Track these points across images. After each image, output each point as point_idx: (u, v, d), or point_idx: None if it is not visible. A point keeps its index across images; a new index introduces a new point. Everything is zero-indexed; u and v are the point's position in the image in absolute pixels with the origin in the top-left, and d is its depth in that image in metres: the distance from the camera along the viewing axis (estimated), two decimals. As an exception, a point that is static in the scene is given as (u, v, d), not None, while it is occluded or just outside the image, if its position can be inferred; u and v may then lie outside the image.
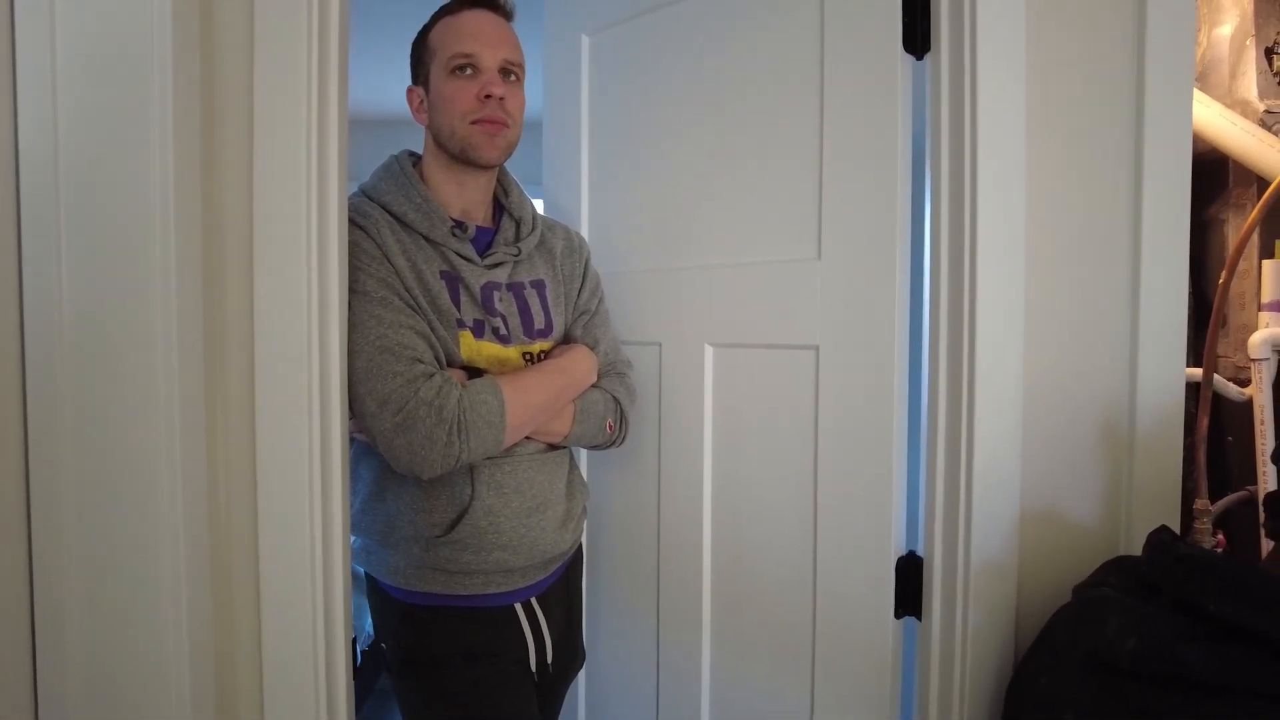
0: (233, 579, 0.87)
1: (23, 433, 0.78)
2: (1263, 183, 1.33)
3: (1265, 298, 1.34)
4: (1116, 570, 0.83)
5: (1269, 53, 1.38)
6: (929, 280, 1.04)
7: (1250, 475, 1.33)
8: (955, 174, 1.00)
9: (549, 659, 1.19)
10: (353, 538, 1.14)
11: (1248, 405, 1.34)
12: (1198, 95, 1.30)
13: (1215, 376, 1.32)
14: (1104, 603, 0.73)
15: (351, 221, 1.03)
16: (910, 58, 1.06)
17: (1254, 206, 1.28)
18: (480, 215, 1.18)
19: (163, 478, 0.78)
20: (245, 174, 0.85)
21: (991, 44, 0.97)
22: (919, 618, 1.07)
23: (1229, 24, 1.42)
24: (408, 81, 1.17)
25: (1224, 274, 1.27)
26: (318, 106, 0.86)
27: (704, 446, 1.30)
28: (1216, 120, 1.34)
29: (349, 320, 0.98)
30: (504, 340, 1.12)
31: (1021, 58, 0.98)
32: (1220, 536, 1.27)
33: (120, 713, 0.79)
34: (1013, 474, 0.99)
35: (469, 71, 1.07)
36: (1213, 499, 1.27)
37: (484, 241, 1.16)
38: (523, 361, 1.14)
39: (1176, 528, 0.97)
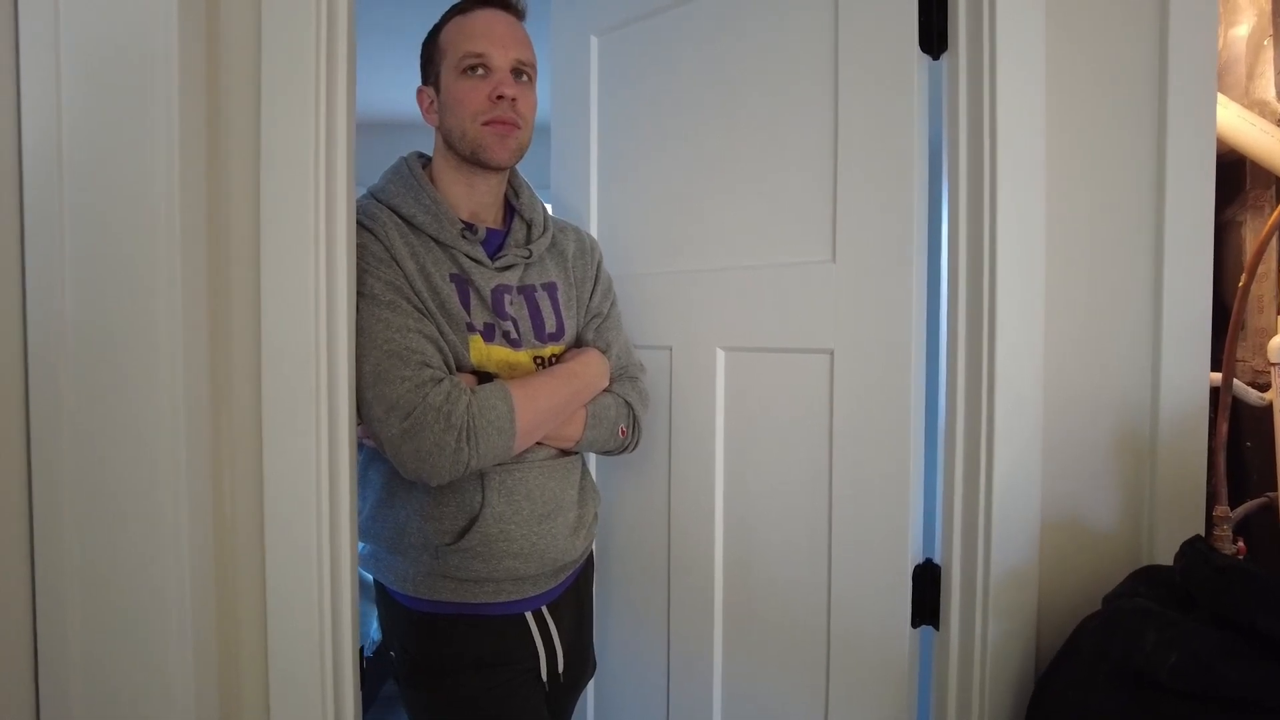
0: (238, 585, 0.86)
1: (25, 436, 0.76)
2: (1281, 184, 1.31)
3: (1284, 301, 1.32)
4: (1146, 580, 0.80)
5: (1287, 53, 1.36)
6: (947, 283, 1.03)
7: (1270, 481, 1.31)
8: (973, 175, 0.98)
9: (560, 668, 1.17)
10: (361, 544, 1.13)
11: (1267, 410, 1.32)
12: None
13: (1234, 381, 1.30)
14: (1141, 614, 0.70)
15: (359, 223, 1.01)
16: (926, 57, 1.05)
17: (1273, 208, 1.26)
18: (490, 217, 1.16)
19: (166, 482, 0.76)
20: (251, 174, 0.84)
21: (1010, 43, 0.96)
22: (936, 627, 1.05)
23: (1246, 24, 1.40)
24: (412, 86, 1.15)
25: (1244, 277, 1.25)
26: (325, 104, 0.85)
27: (716, 452, 1.28)
28: (1234, 121, 1.32)
29: (356, 324, 0.96)
30: (514, 344, 1.10)
31: (1041, 57, 0.96)
32: (1240, 544, 1.24)
33: (124, 710, 0.77)
34: (1033, 480, 0.97)
35: (480, 71, 1.06)
36: (1232, 506, 1.25)
37: (494, 244, 1.14)
38: (534, 365, 1.13)
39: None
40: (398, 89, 3.05)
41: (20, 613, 0.76)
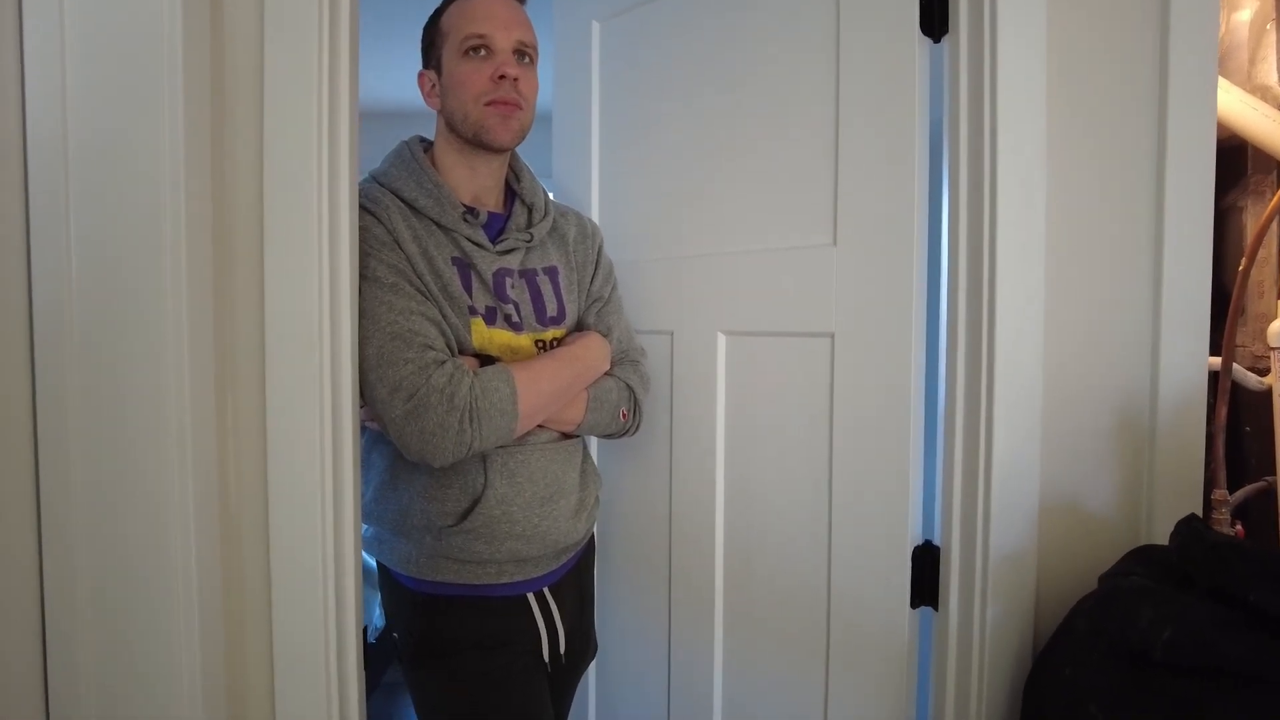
0: (243, 568, 0.87)
1: (32, 418, 0.77)
2: (1283, 169, 1.31)
3: (1285, 286, 1.32)
4: (1142, 559, 0.81)
5: (1289, 38, 1.35)
6: (947, 267, 1.03)
7: (1268, 466, 1.32)
8: (974, 159, 0.98)
9: (561, 649, 1.18)
10: (365, 527, 1.14)
11: (1266, 395, 1.32)
12: (1218, 81, 1.28)
13: (1234, 365, 1.30)
14: (1136, 592, 0.71)
15: (362, 207, 1.02)
16: (928, 40, 1.05)
17: (1274, 193, 1.27)
18: (492, 201, 1.16)
19: (172, 466, 0.77)
20: (255, 157, 0.84)
21: (1011, 26, 0.96)
22: (935, 608, 1.06)
23: (1248, 9, 1.40)
24: (412, 74, 1.15)
25: (1244, 262, 1.26)
26: (328, 87, 0.85)
27: (716, 435, 1.28)
28: (1236, 106, 1.32)
29: (359, 307, 0.96)
30: (516, 327, 1.11)
31: (1042, 40, 0.96)
32: (1239, 527, 1.25)
33: (132, 693, 0.78)
34: (1032, 462, 0.98)
35: (483, 53, 1.06)
36: (1230, 490, 1.26)
37: (496, 227, 1.14)
38: (535, 349, 1.13)
39: (1199, 518, 0.95)
40: (395, 78, 3.03)
41: (28, 601, 0.77)
